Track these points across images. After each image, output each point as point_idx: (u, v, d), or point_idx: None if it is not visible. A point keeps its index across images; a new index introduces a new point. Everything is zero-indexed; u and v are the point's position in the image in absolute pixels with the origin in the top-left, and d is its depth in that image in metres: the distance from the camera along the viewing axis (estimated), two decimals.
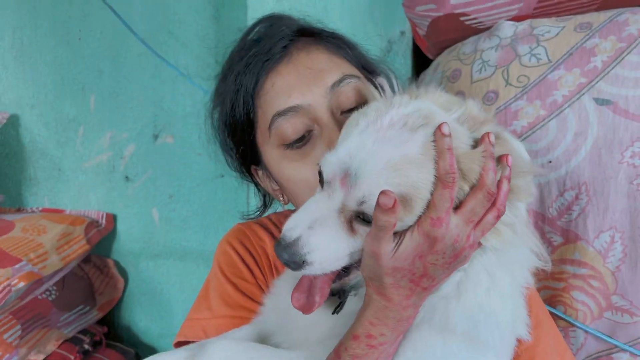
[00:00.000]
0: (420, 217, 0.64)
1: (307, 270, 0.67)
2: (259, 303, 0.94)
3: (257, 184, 1.04)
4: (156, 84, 2.01)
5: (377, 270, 0.66)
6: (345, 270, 0.72)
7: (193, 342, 0.92)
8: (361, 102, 0.84)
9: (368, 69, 0.96)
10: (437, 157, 0.62)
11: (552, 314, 1.10)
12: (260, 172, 0.99)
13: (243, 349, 0.77)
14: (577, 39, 1.10)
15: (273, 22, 0.94)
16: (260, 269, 1.00)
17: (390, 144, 0.63)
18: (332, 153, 0.68)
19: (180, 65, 1.95)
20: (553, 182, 1.08)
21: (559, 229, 1.09)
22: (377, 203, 0.60)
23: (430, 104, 0.69)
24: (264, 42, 0.91)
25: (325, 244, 0.66)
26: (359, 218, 0.66)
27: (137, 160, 2.05)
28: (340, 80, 0.86)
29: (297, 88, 0.86)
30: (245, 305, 0.94)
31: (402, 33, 1.59)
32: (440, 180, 0.62)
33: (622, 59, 1.05)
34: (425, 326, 0.72)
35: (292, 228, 0.67)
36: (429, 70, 1.39)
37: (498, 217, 0.65)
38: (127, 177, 2.07)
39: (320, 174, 0.71)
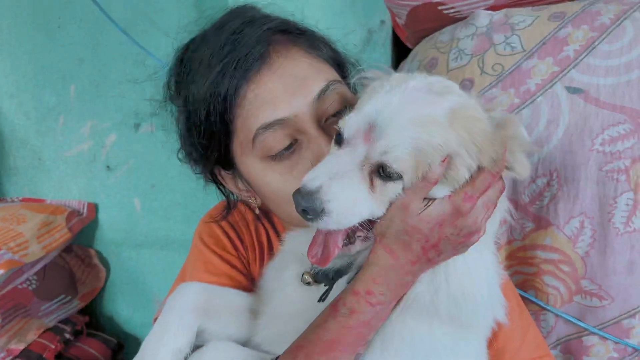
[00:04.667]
0: (454, 189, 0.69)
1: (325, 221, 0.67)
2: (241, 272, 0.98)
3: (218, 185, 1.00)
4: (137, 73, 1.99)
5: (398, 225, 0.69)
6: (353, 233, 0.74)
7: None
8: (345, 105, 0.84)
9: (341, 66, 0.96)
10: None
11: (523, 297, 1.12)
12: (222, 173, 0.96)
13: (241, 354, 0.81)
14: (550, 28, 1.11)
15: (245, 19, 0.88)
16: (241, 241, 1.03)
17: (416, 103, 0.67)
18: (356, 113, 0.70)
19: (162, 55, 1.93)
20: None
21: (530, 215, 1.11)
22: None
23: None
24: (240, 44, 0.84)
25: (345, 195, 0.67)
26: (378, 173, 0.68)
27: (119, 149, 2.03)
28: (326, 89, 0.84)
29: (283, 99, 0.82)
30: (228, 272, 0.97)
31: (382, 22, 1.60)
32: (491, 167, 0.67)
33: (594, 48, 1.07)
34: (409, 314, 0.74)
35: (313, 179, 0.67)
36: (408, 59, 1.40)
37: (501, 191, 0.72)
38: (108, 167, 2.05)
39: (337, 134, 0.73)
